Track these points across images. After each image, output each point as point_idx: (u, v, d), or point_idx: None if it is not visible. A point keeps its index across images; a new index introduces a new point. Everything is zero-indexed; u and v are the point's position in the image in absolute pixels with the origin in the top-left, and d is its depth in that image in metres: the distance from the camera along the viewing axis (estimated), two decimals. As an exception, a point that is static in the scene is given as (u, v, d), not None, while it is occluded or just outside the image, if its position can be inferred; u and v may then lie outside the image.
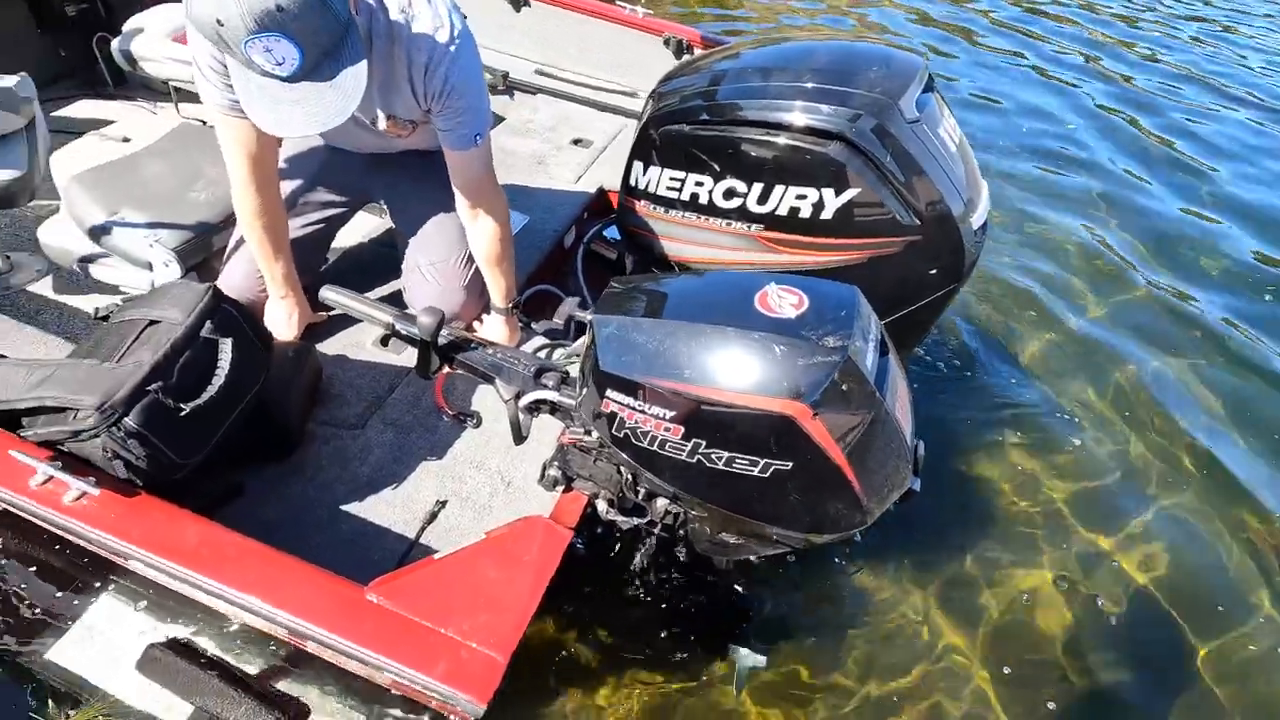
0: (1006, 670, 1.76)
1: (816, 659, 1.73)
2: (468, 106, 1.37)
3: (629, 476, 1.35)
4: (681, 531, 1.43)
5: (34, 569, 1.60)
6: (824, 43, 1.65)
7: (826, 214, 1.47)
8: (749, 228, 1.56)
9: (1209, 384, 2.65)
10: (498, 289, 1.63)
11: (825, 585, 1.88)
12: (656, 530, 1.42)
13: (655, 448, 1.13)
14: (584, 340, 1.37)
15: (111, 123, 2.45)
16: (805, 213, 1.49)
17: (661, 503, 1.38)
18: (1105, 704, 1.75)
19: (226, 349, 1.15)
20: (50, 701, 1.43)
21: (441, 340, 1.35)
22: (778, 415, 1.02)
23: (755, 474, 1.09)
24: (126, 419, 1.02)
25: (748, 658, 1.70)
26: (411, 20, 1.26)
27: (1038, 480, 2.23)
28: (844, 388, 1.02)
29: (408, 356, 1.72)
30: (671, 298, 1.19)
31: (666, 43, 2.80)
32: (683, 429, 1.09)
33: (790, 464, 1.06)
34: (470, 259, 1.67)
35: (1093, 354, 2.73)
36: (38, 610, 1.54)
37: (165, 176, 1.80)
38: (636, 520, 1.39)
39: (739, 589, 1.82)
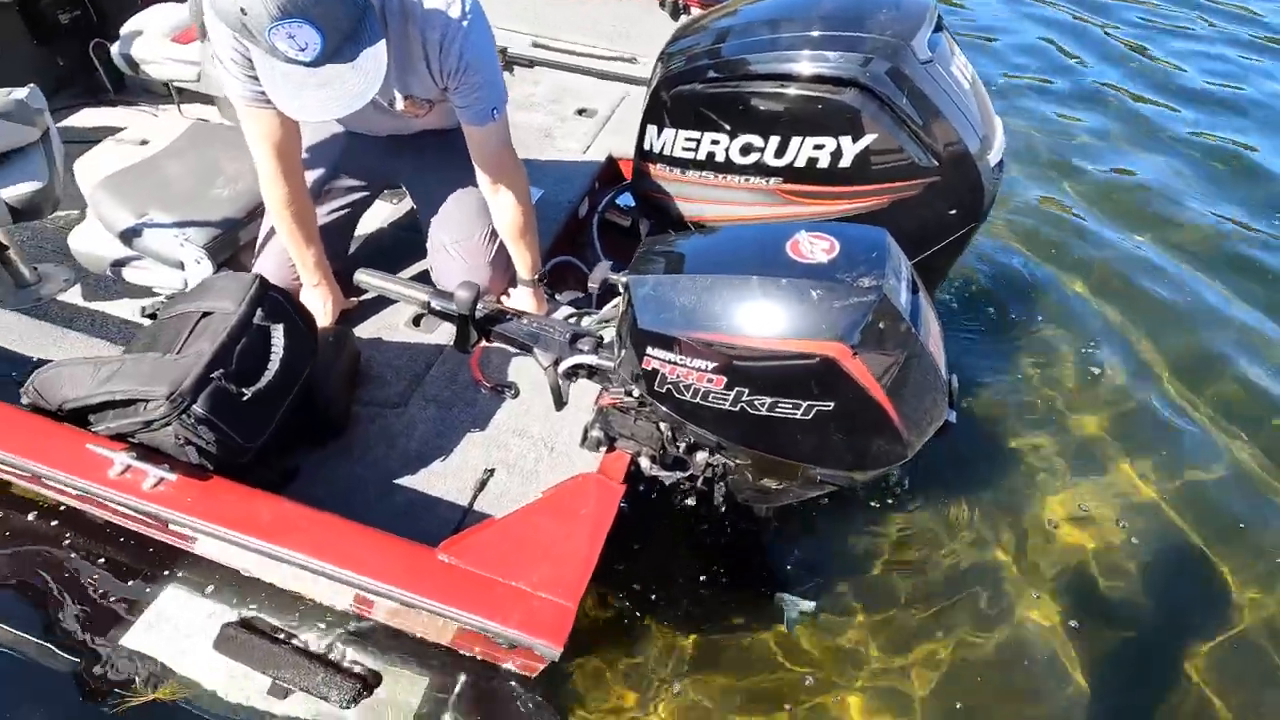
0: (1060, 606, 1.79)
1: (865, 600, 1.77)
2: (484, 81, 1.39)
3: (669, 432, 1.40)
4: (721, 483, 1.48)
5: (103, 561, 1.67)
6: None
7: (845, 162, 1.49)
8: (767, 181, 1.58)
9: (1243, 317, 2.64)
10: (523, 261, 1.65)
11: (866, 528, 1.91)
12: (697, 483, 1.47)
13: (698, 400, 1.17)
14: (617, 303, 1.40)
15: (122, 129, 2.47)
16: (823, 162, 1.50)
17: (701, 456, 1.43)
18: (1161, 644, 1.77)
19: (279, 335, 1.19)
20: (129, 686, 1.50)
21: (478, 314, 1.38)
22: (818, 357, 1.05)
23: (798, 416, 1.12)
24: (195, 406, 1.07)
25: (795, 603, 1.75)
26: None
27: (1065, 412, 2.26)
28: (880, 326, 1.05)
29: (440, 335, 1.76)
30: (702, 254, 1.22)
31: (662, 4, 2.78)
32: (725, 379, 1.13)
33: (832, 404, 1.10)
34: (494, 234, 1.69)
35: (1115, 288, 2.73)
36: (111, 599, 1.62)
37: (186, 176, 1.83)
38: (678, 474, 1.44)
39: (780, 537, 1.87)
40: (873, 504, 1.96)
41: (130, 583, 1.64)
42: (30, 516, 1.75)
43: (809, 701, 1.60)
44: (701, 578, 1.78)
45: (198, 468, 1.13)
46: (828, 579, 1.81)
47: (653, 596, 1.72)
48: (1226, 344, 2.53)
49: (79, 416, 1.16)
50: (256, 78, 1.27)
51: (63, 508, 1.75)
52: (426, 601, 1.02)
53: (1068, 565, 1.89)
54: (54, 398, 1.15)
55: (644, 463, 1.44)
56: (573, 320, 1.47)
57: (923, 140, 1.46)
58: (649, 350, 1.18)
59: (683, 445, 1.42)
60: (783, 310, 1.06)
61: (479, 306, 1.37)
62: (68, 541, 1.71)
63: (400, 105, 1.46)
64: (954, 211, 1.56)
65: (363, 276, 1.43)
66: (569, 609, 1.03)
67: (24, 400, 1.22)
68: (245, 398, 1.12)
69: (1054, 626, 1.76)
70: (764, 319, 1.08)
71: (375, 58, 1.14)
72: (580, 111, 2.60)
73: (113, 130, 2.50)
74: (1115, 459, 2.15)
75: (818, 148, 1.49)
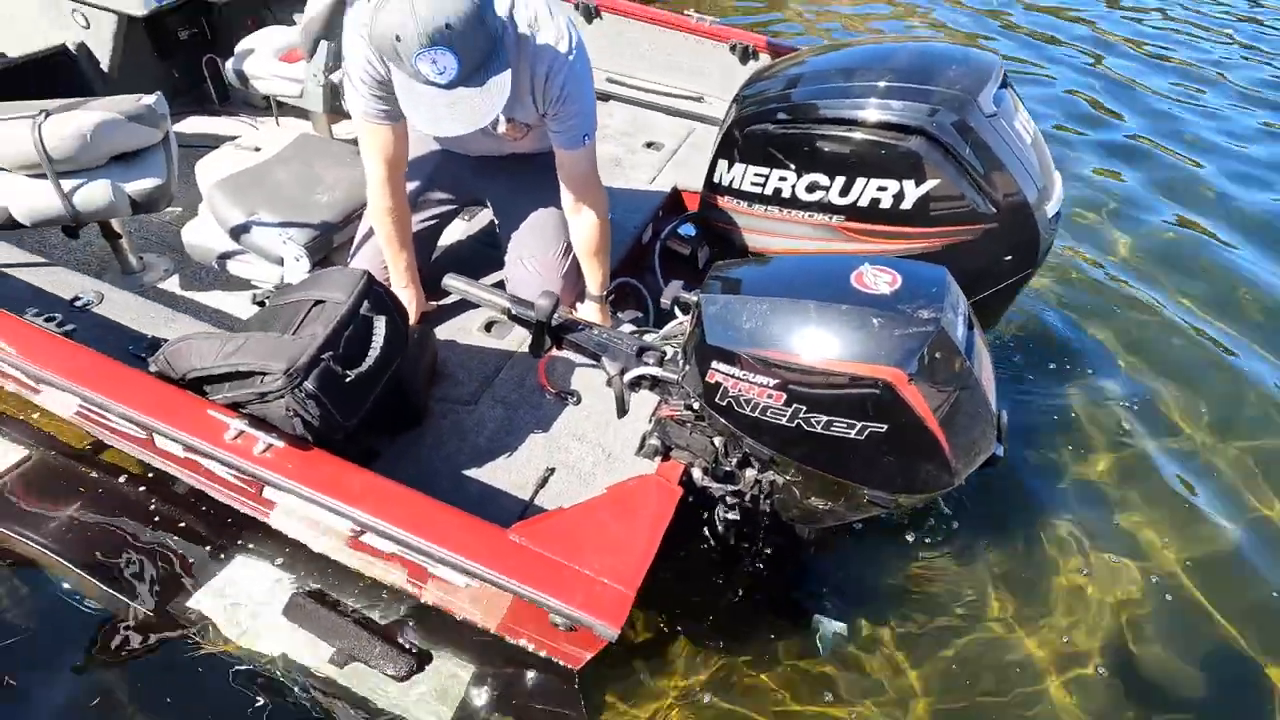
0: (1087, 649, 1.82)
1: (898, 629, 1.81)
2: (579, 110, 1.52)
3: (723, 447, 1.47)
4: (769, 501, 1.55)
5: (183, 526, 1.81)
6: (902, 44, 1.76)
7: (906, 204, 1.58)
8: (830, 219, 1.67)
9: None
10: (594, 278, 1.77)
11: (905, 557, 1.95)
12: (745, 498, 1.54)
13: (757, 414, 1.25)
14: (682, 320, 1.50)
15: (230, 136, 2.69)
16: (886, 203, 1.59)
17: (751, 473, 1.50)
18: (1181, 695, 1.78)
19: (380, 325, 1.31)
20: (204, 635, 1.62)
21: (554, 323, 1.49)
22: (876, 381, 1.13)
23: (852, 436, 1.20)
24: (306, 383, 1.19)
25: (830, 625, 1.79)
26: (536, 34, 1.42)
27: (1106, 457, 2.28)
28: (937, 356, 1.12)
29: (510, 341, 1.88)
30: (770, 278, 1.31)
31: (733, 49, 2.92)
32: (785, 395, 1.21)
33: (886, 427, 1.17)
34: (567, 252, 1.81)
35: (1171, 340, 2.75)
36: (190, 562, 1.75)
37: (291, 182, 2.00)
38: (729, 487, 1.51)
39: (820, 560, 1.92)
40: (914, 534, 2.00)
41: (208, 548, 1.78)
42: (120, 479, 1.91)
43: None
44: (739, 593, 1.83)
45: (300, 439, 1.25)
46: (864, 606, 1.85)
47: (690, 608, 1.78)
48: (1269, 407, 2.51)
49: (198, 385, 1.30)
50: (382, 97, 1.42)
51: (150, 474, 1.90)
52: (499, 577, 1.11)
53: (1099, 615, 1.90)
54: (181, 367, 1.29)
55: (696, 473, 1.52)
56: (636, 335, 1.57)
57: (983, 189, 1.54)
58: (714, 364, 1.26)
59: (735, 460, 1.49)
60: (845, 334, 1.14)
61: (555, 316, 1.48)
62: (153, 507, 1.85)
63: (503, 128, 1.60)
64: (1009, 258, 1.63)
65: (451, 281, 1.56)
66: (627, 595, 1.11)
67: (151, 368, 1.37)
68: (348, 379, 1.24)
69: (1081, 674, 1.77)
70: (826, 341, 1.16)
71: (501, 84, 1.28)
72: (649, 144, 2.74)
73: (216, 136, 2.73)
74: (1153, 510, 2.15)
75: (881, 189, 1.58)
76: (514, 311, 1.52)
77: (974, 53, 1.61)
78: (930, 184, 1.54)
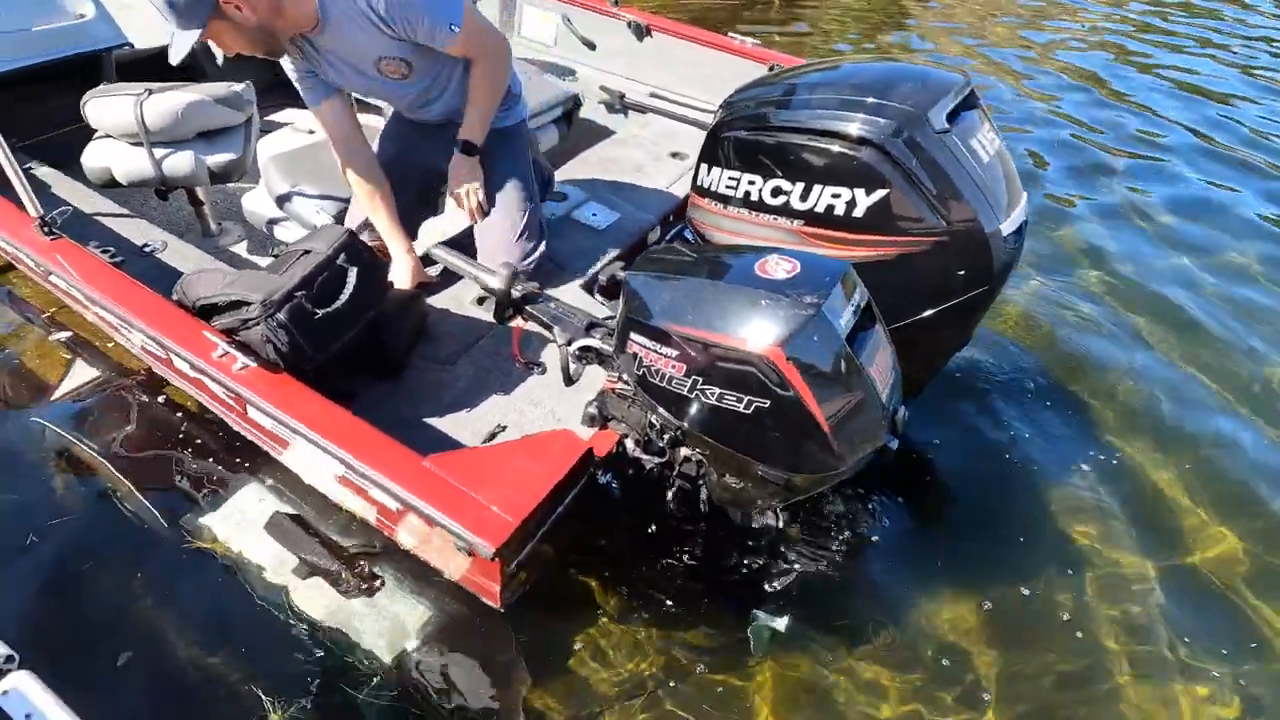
0: (1017, 665, 1.79)
1: (838, 631, 1.83)
2: (424, 8, 1.56)
3: (657, 424, 1.58)
4: (701, 482, 1.63)
5: (199, 442, 2.10)
6: (871, 63, 1.83)
7: (858, 212, 1.64)
8: (791, 223, 1.75)
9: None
10: (472, 126, 1.81)
11: (852, 564, 1.97)
12: (675, 473, 1.63)
13: (664, 384, 1.36)
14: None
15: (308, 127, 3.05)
16: (839, 210, 1.66)
17: (683, 451, 1.59)
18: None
19: (352, 275, 1.52)
20: (197, 534, 1.88)
21: (515, 293, 1.66)
22: (757, 356, 1.22)
23: (741, 409, 1.29)
24: (279, 314, 1.40)
25: (768, 620, 1.84)
26: None
27: (1068, 478, 2.25)
28: (815, 339, 1.20)
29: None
30: (692, 262, 1.42)
31: (771, 69, 3.04)
32: (685, 367, 1.31)
33: (768, 402, 1.25)
34: (527, 220, 2.00)
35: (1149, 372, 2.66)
36: (197, 473, 2.03)
37: (332, 163, 2.28)
38: (657, 460, 1.62)
39: (766, 556, 1.97)
40: (862, 536, 2.01)
41: (219, 466, 2.05)
42: (160, 399, 2.23)
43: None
44: (681, 582, 1.90)
45: (272, 364, 1.47)
46: (807, 605, 1.87)
47: (631, 590, 1.87)
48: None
49: (205, 312, 1.55)
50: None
51: (187, 404, 2.20)
52: (405, 494, 1.27)
53: (1048, 616, 1.89)
54: (191, 295, 1.54)
55: (629, 444, 1.63)
56: (587, 313, 1.71)
57: (932, 201, 1.58)
58: (632, 336, 1.39)
59: (667, 438, 1.60)
60: (734, 312, 1.24)
61: (516, 286, 1.65)
62: (181, 427, 2.15)
63: (379, 70, 1.71)
64: (962, 273, 1.66)
65: (435, 249, 1.76)
66: (510, 522, 1.24)
67: (173, 297, 1.63)
68: (317, 316, 1.45)
69: (1026, 672, 1.77)
70: (719, 318, 1.26)
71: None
72: (674, 154, 2.89)
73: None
74: (1118, 553, 2.08)
75: (835, 196, 1.65)
76: (481, 278, 1.70)
77: (935, 73, 1.66)
78: (880, 194, 1.60)
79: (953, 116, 1.60)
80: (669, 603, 1.85)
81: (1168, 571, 2.03)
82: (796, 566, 1.92)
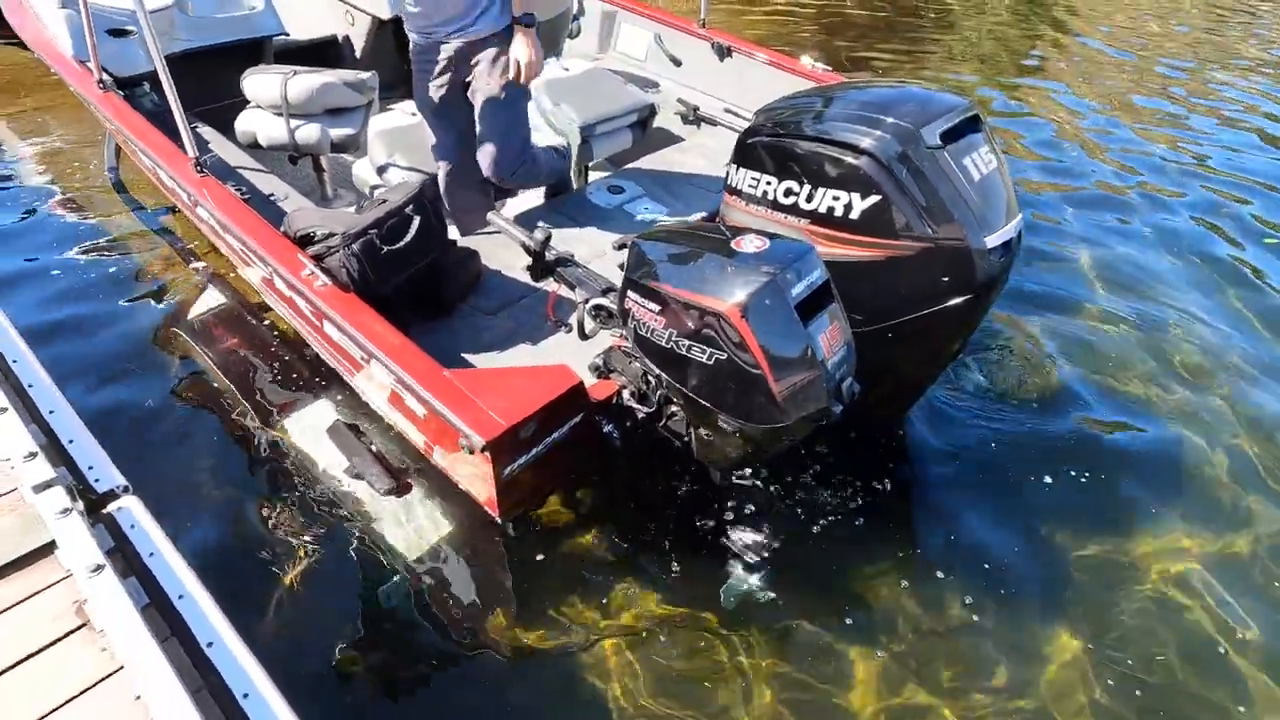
0: (1021, 644, 1.90)
1: (807, 599, 1.98)
2: None
3: (651, 380, 1.83)
4: (687, 438, 1.86)
5: (286, 357, 2.52)
6: (888, 85, 2.01)
7: (854, 214, 1.82)
8: (800, 221, 1.95)
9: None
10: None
11: (834, 542, 2.10)
12: (664, 425, 1.86)
13: (650, 337, 1.61)
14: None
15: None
16: (839, 212, 1.85)
17: (672, 408, 1.83)
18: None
19: (416, 223, 1.86)
20: (266, 426, 2.29)
21: (548, 255, 1.96)
22: (716, 312, 1.44)
23: (705, 360, 1.51)
24: (354, 245, 1.76)
25: (743, 580, 2.02)
26: None
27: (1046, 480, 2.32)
28: (766, 302, 1.42)
29: (544, 282, 2.36)
30: (688, 236, 1.66)
31: (840, 92, 3.22)
32: (665, 321, 1.56)
33: (725, 355, 1.47)
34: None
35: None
36: (276, 380, 2.45)
37: (423, 143, 2.67)
38: (647, 410, 1.85)
39: (749, 522, 2.14)
40: (850, 516, 2.15)
41: (296, 376, 2.49)
42: (265, 324, 2.68)
43: (731, 676, 1.82)
44: (668, 530, 2.12)
45: (344, 285, 1.82)
46: (783, 573, 2.03)
47: (620, 531, 2.10)
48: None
49: (302, 241, 1.93)
50: None
51: (285, 329, 2.64)
52: (423, 391, 1.57)
53: (1008, 591, 1.99)
54: (294, 226, 1.93)
55: (625, 394, 1.88)
56: (606, 278, 1.96)
57: (919, 211, 1.75)
58: (628, 293, 1.65)
59: (659, 394, 1.84)
60: (704, 274, 1.48)
61: (549, 249, 1.94)
62: (278, 349, 2.59)
63: None
64: (946, 279, 1.80)
65: (492, 215, 2.08)
66: (500, 424, 1.51)
67: (280, 229, 2.03)
68: (383, 252, 1.80)
69: (1011, 668, 1.86)
70: (695, 280, 1.50)
71: None
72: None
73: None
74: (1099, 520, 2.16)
75: (835, 199, 1.84)
76: (521, 239, 2.00)
77: (938, 95, 1.83)
78: (873, 199, 1.78)
79: (950, 135, 1.76)
80: (655, 551, 2.07)
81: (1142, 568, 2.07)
82: (775, 537, 2.09)
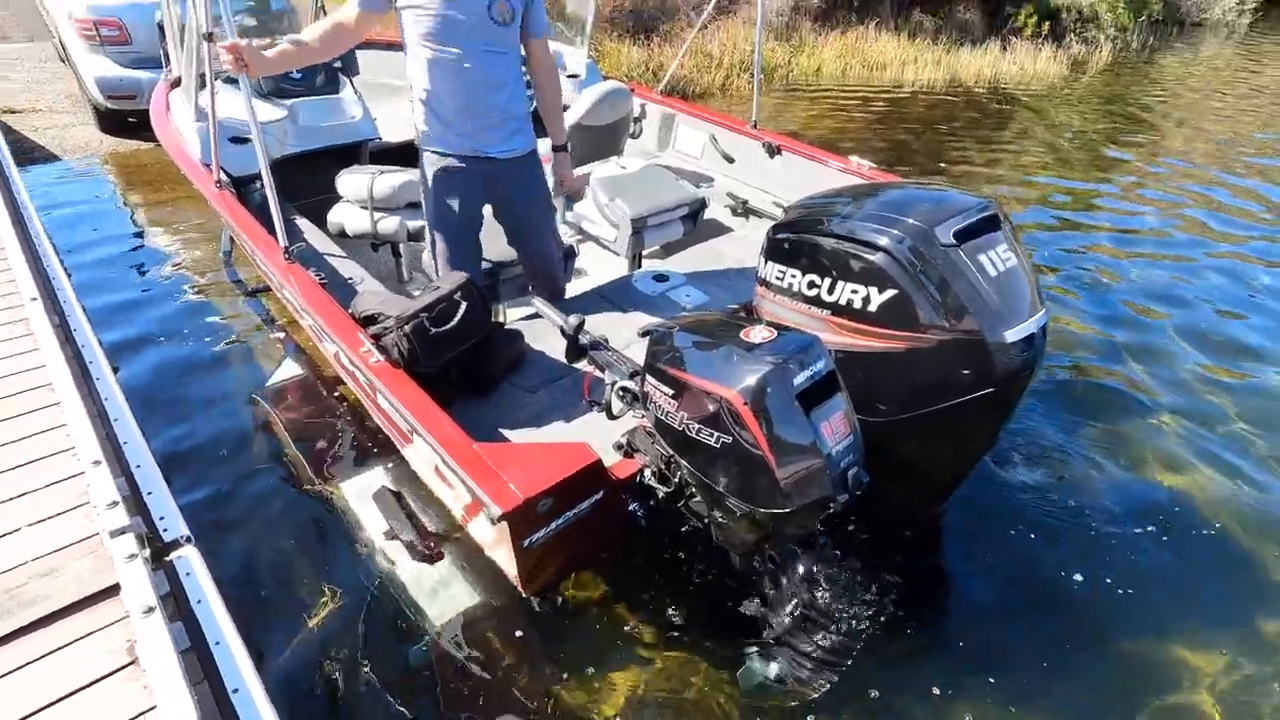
0: None
1: (823, 690, 1.92)
2: (541, 8, 2.21)
3: (668, 458, 1.89)
4: (707, 520, 1.89)
5: (348, 420, 2.73)
6: (910, 186, 2.09)
7: (873, 307, 1.88)
8: (822, 312, 2.02)
9: None
10: (557, 131, 2.40)
11: (858, 633, 2.04)
12: (684, 505, 1.90)
13: (665, 418, 1.69)
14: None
15: None
16: (858, 305, 1.91)
17: (691, 489, 1.87)
18: None
19: (461, 310, 2.04)
20: (326, 480, 2.45)
21: (582, 339, 2.09)
22: (722, 397, 1.51)
23: (712, 444, 1.57)
24: (406, 327, 1.94)
25: (762, 665, 1.98)
26: None
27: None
28: (769, 390, 1.47)
29: (581, 363, 2.50)
30: (704, 324, 1.76)
31: (886, 189, 3.32)
32: (678, 404, 1.64)
33: (731, 439, 1.53)
34: (564, 260, 2.59)
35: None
36: (336, 444, 2.63)
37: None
38: (667, 490, 1.90)
39: (770, 605, 2.11)
40: (877, 608, 2.09)
41: (354, 441, 2.69)
42: (335, 394, 2.91)
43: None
44: (688, 610, 2.12)
45: (396, 362, 2.00)
46: (803, 662, 1.98)
47: (643, 609, 2.12)
48: None
49: (364, 321, 2.15)
50: None
51: (350, 399, 2.87)
52: (453, 462, 1.69)
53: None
54: (357, 308, 2.15)
55: (647, 473, 1.94)
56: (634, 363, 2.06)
57: (936, 304, 1.79)
58: (648, 377, 1.74)
59: (678, 475, 1.89)
60: (713, 362, 1.56)
61: (583, 333, 2.08)
62: (342, 415, 2.81)
63: (494, 7, 2.10)
64: (966, 371, 1.81)
65: (535, 301, 2.25)
66: (518, 496, 1.60)
67: (349, 310, 2.26)
68: (431, 334, 1.98)
69: None
70: (705, 367, 1.58)
71: None
72: None
73: None
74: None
75: (854, 292, 1.91)
76: (556, 320, 2.15)
77: (953, 195, 1.89)
78: (890, 293, 1.83)
79: (965, 234, 1.81)
80: (675, 631, 2.08)
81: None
82: (797, 624, 2.05)
